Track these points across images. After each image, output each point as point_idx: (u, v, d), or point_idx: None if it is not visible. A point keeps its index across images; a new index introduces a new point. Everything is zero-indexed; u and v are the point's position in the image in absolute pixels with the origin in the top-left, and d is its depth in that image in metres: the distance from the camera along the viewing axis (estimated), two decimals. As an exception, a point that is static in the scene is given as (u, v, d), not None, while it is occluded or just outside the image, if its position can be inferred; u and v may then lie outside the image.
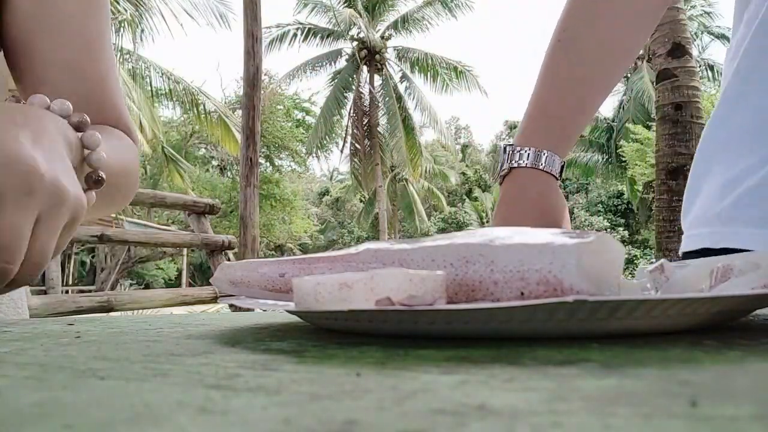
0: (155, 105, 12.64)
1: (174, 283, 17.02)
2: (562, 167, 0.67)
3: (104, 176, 0.49)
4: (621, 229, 20.70)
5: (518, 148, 0.65)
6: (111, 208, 0.62)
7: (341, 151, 20.03)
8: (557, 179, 0.66)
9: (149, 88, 12.09)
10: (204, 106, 12.56)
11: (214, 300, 4.25)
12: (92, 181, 0.48)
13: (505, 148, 0.67)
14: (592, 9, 0.68)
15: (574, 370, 0.21)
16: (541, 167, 0.65)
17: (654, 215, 5.24)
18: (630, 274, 7.83)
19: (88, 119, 0.48)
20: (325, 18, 19.20)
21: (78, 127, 0.47)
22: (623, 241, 18.69)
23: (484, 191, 25.46)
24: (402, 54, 19.39)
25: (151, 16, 11.99)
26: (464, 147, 29.72)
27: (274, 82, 20.22)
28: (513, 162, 0.66)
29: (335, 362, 0.24)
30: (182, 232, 6.28)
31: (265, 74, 17.87)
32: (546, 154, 0.65)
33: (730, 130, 0.66)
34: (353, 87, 19.28)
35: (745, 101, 0.65)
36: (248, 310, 0.50)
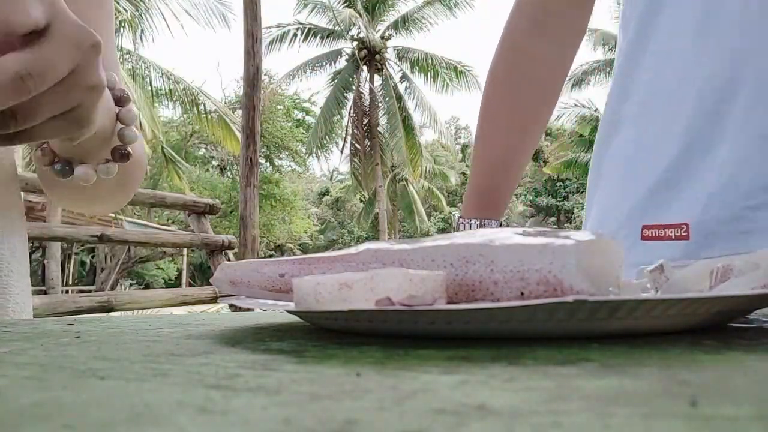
0: (155, 105, 12.63)
1: (174, 283, 17.01)
2: (501, 224, 0.83)
3: (131, 151, 0.50)
4: (621, 229, 20.61)
5: (466, 221, 0.83)
6: (122, 195, 0.62)
7: (341, 151, 20.03)
8: None
9: (149, 88, 12.08)
10: (204, 105, 12.56)
11: (214, 300, 4.25)
12: (119, 154, 0.49)
13: (454, 218, 0.85)
14: (499, 107, 0.84)
15: (574, 370, 0.21)
16: None
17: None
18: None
19: (130, 96, 0.49)
20: (325, 18, 19.21)
21: (118, 101, 0.49)
22: (623, 241, 18.59)
23: (484, 191, 25.42)
24: (402, 54, 19.38)
25: (151, 16, 11.99)
26: (464, 147, 29.71)
27: (274, 82, 20.22)
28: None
29: (335, 362, 0.24)
30: (182, 232, 6.28)
31: (265, 74, 17.87)
32: (486, 223, 0.81)
33: (605, 163, 0.75)
34: (353, 87, 19.27)
35: (616, 136, 0.73)
36: (248, 310, 0.50)
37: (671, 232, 0.63)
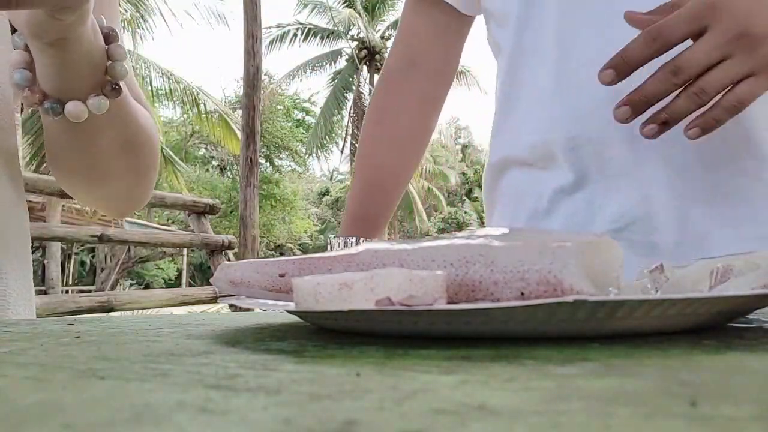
0: (155, 105, 12.63)
1: (174, 283, 17.00)
2: None
3: (121, 86, 0.50)
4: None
5: (344, 239, 0.86)
6: (135, 166, 0.61)
7: (341, 151, 20.04)
8: None
9: (149, 88, 12.09)
10: (204, 105, 12.56)
11: (214, 300, 4.25)
12: (110, 88, 0.49)
13: (329, 240, 0.91)
14: (377, 132, 0.90)
15: (574, 370, 0.21)
16: None
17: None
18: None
19: (118, 34, 0.50)
20: (325, 18, 19.22)
21: (107, 38, 0.49)
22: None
23: (484, 191, 25.44)
24: (402, 54, 19.33)
25: (152, 16, 12.00)
26: (464, 147, 29.70)
27: (274, 82, 20.23)
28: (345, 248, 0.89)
29: (335, 362, 0.24)
30: (182, 232, 6.29)
31: (265, 74, 17.87)
32: (364, 240, 0.86)
33: (496, 192, 0.81)
34: (353, 87, 19.28)
35: (505, 174, 0.79)
36: (248, 310, 0.50)
37: None
